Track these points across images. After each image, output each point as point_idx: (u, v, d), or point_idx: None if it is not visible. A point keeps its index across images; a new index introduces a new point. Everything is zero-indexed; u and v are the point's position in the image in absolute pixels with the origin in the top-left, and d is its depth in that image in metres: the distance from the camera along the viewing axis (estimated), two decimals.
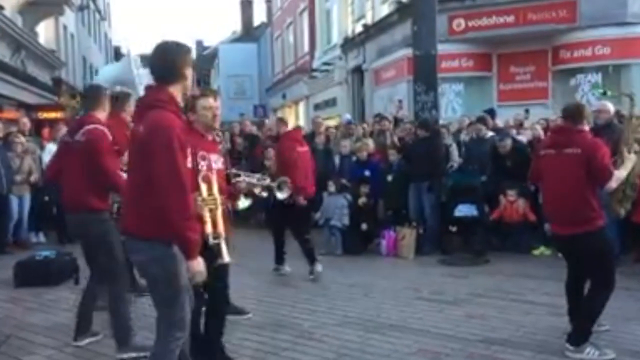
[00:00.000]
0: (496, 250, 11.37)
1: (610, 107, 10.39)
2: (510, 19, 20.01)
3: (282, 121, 11.46)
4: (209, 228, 4.78)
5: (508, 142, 11.76)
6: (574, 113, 6.22)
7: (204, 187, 4.98)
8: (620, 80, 19.14)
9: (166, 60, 4.31)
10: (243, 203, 6.98)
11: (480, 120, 12.96)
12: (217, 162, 5.77)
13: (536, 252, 11.25)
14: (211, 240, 4.74)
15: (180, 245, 4.11)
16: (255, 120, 25.90)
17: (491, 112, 14.60)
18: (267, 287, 9.13)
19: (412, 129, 12.74)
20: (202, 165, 5.67)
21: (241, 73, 50.05)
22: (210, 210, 4.87)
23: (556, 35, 19.83)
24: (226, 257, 4.82)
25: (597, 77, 19.47)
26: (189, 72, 4.37)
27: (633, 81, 18.74)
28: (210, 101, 5.79)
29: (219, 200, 4.96)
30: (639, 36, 18.95)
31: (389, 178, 12.34)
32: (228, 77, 50.35)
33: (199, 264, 4.14)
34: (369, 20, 26.79)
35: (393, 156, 12.48)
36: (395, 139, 13.55)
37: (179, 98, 4.35)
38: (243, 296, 8.14)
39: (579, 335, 6.05)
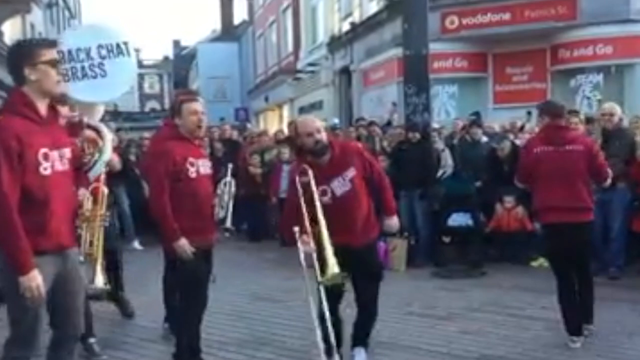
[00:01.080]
0: (493, 261, 11.38)
1: (618, 110, 10.45)
2: (507, 16, 20.07)
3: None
4: (83, 244, 4.69)
5: (507, 145, 11.79)
6: (561, 112, 6.95)
7: (89, 201, 4.92)
8: (623, 81, 19.24)
9: (9, 62, 4.37)
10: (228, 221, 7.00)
11: (475, 123, 13.00)
12: (206, 167, 5.91)
13: (535, 263, 11.25)
14: (81, 259, 4.67)
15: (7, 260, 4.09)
16: (236, 124, 25.88)
17: (476, 116, 14.69)
18: (248, 302, 9.10)
19: (402, 133, 12.74)
20: (191, 171, 5.79)
21: (221, 74, 50.01)
22: (88, 226, 4.78)
23: (555, 34, 19.90)
24: (99, 282, 4.73)
25: (599, 78, 19.55)
26: (38, 72, 4.31)
27: (637, 82, 18.85)
28: (196, 106, 5.88)
29: (98, 217, 4.90)
30: None
31: None
32: (207, 78, 50.28)
33: (29, 280, 4.05)
34: (356, 18, 26.83)
35: (382, 162, 12.47)
36: (385, 144, 13.55)
37: (37, 99, 4.32)
38: (222, 312, 8.15)
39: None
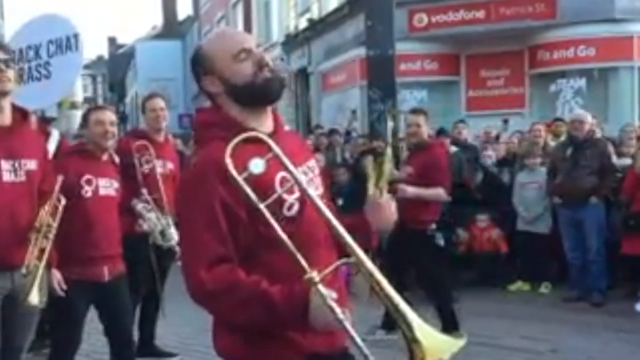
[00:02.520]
0: (465, 285, 11.44)
1: (589, 118, 10.65)
2: (480, 14, 20.21)
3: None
4: (29, 256, 4.72)
5: (479, 177, 11.95)
6: None
7: (44, 211, 4.92)
8: (607, 86, 19.48)
9: None
10: (175, 239, 6.98)
11: (441, 132, 13.10)
12: (109, 187, 5.85)
13: (512, 287, 11.36)
14: (23, 271, 4.69)
15: None
16: (180, 133, 25.76)
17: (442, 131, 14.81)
18: (196, 335, 9.05)
19: (366, 143, 12.79)
20: (87, 190, 5.68)
21: (163, 76, 49.72)
22: (38, 237, 4.80)
23: (533, 34, 20.09)
24: (33, 298, 4.75)
25: (581, 83, 19.74)
26: None
27: (622, 87, 19.11)
28: (104, 115, 5.87)
29: (52, 231, 4.90)
30: (628, 35, 19.25)
31: (340, 202, 12.35)
32: (147, 81, 49.93)
33: None
34: (315, 14, 26.88)
35: (344, 176, 12.48)
36: (347, 156, 13.59)
37: None
38: (167, 347, 8.18)
39: None
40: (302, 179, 2.90)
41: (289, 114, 28.80)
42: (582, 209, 10.21)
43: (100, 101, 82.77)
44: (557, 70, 20.13)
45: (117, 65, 63.81)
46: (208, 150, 2.95)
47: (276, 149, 2.78)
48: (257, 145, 2.81)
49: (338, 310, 2.64)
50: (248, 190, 2.74)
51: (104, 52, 79.62)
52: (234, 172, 2.73)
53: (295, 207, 2.96)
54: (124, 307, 6.15)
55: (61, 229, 5.07)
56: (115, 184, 5.99)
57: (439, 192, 8.29)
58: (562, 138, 12.00)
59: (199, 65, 3.17)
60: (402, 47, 14.94)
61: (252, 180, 2.75)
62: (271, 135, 3.00)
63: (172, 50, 51.35)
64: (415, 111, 8.81)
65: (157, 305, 7.85)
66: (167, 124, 7.84)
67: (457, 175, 12.23)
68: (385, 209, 3.37)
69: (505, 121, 17.54)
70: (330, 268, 2.72)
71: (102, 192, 5.81)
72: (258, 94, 3.06)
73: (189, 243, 2.93)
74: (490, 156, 12.63)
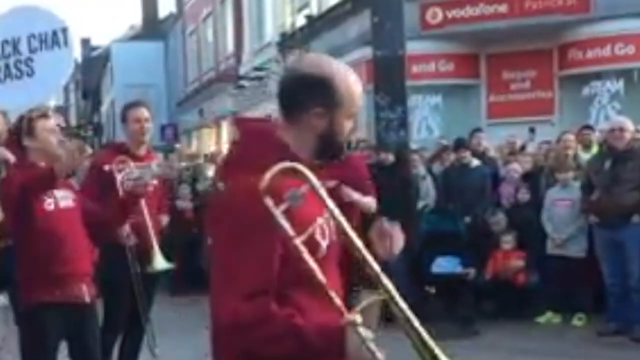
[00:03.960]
0: (488, 317, 11.40)
1: (630, 125, 10.57)
2: (503, 8, 20.23)
3: None
4: None
5: (501, 218, 11.90)
6: None
7: None
8: None
9: None
10: (160, 264, 6.97)
11: (460, 145, 13.05)
12: (66, 198, 5.91)
13: (541, 319, 11.31)
14: None
15: None
16: (161, 145, 25.78)
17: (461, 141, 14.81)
18: None
19: (372, 155, 12.75)
20: (49, 203, 5.74)
21: (143, 82, 49.74)
22: None
23: (564, 30, 20.10)
24: None
25: (619, 85, 19.74)
26: None
27: None
28: (51, 123, 5.91)
29: None
30: None
31: None
32: (125, 87, 49.94)
33: None
34: (314, 10, 26.94)
35: None
36: None
37: None
38: None
39: None
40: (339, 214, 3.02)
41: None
42: (623, 229, 10.14)
43: (72, 110, 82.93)
44: (591, 72, 20.16)
45: (91, 70, 63.84)
46: (255, 182, 2.98)
47: (314, 180, 2.92)
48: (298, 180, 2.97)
49: (378, 354, 2.89)
50: (284, 223, 2.90)
51: (77, 55, 79.80)
52: (270, 203, 2.88)
53: (324, 245, 3.16)
54: (95, 339, 6.13)
55: (25, 248, 5.08)
56: (71, 195, 6.04)
57: (371, 201, 8.62)
58: (594, 149, 11.97)
59: (320, 92, 3.23)
60: (413, 47, 14.92)
61: (290, 212, 2.92)
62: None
63: (153, 53, 51.43)
64: None
65: (140, 339, 7.80)
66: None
67: (480, 196, 12.24)
68: (392, 236, 3.54)
69: (532, 130, 17.49)
70: (364, 304, 2.99)
71: (62, 204, 5.87)
72: (332, 152, 3.32)
73: (227, 270, 3.03)
74: (516, 170, 12.60)
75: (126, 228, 6.97)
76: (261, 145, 3.22)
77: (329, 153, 3.30)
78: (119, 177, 7.11)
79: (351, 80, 3.34)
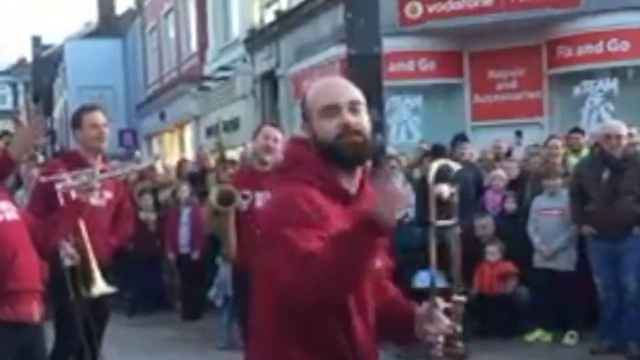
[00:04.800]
0: (474, 336, 11.42)
1: (624, 130, 10.61)
2: (488, 2, 20.21)
3: None
4: None
5: (489, 222, 11.93)
6: None
7: None
8: None
9: None
10: (99, 289, 6.96)
11: (440, 152, 13.06)
12: (10, 211, 5.92)
13: (530, 337, 11.37)
14: None
15: None
16: (120, 152, 25.73)
17: (463, 139, 14.79)
18: None
19: None
20: None
21: (99, 83, 49.64)
22: None
23: (553, 25, 20.18)
24: None
25: (613, 85, 19.80)
26: None
27: None
28: None
29: None
30: None
31: None
32: (79, 89, 49.83)
33: None
34: (283, 5, 26.94)
35: None
36: None
37: None
38: None
39: None
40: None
41: (254, 128, 28.79)
42: (623, 241, 10.22)
43: (23, 114, 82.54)
44: (583, 70, 20.22)
45: (42, 71, 63.63)
46: (295, 189, 3.60)
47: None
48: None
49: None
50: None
51: (27, 54, 79.48)
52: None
53: None
54: None
55: None
56: (14, 207, 6.04)
57: None
58: (584, 153, 12.02)
59: (303, 107, 3.78)
60: (391, 44, 14.95)
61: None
62: (353, 196, 3.70)
63: (110, 52, 51.24)
64: None
65: None
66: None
67: (465, 201, 12.24)
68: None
69: (519, 133, 17.56)
70: None
71: (8, 216, 5.85)
72: (337, 157, 3.62)
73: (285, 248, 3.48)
74: (502, 177, 12.65)
75: (67, 247, 6.93)
76: (299, 160, 3.75)
77: (337, 162, 3.61)
78: (59, 187, 7.06)
79: (318, 82, 3.79)
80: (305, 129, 3.75)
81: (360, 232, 3.34)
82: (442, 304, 3.89)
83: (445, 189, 3.70)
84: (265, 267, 3.68)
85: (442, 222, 3.91)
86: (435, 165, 3.96)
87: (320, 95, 3.70)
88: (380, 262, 3.90)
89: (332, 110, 3.63)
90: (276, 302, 3.64)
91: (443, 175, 3.81)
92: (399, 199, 3.48)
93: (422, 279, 11.78)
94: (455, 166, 11.26)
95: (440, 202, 3.80)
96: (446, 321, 3.85)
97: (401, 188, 3.56)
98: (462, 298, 3.86)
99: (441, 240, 10.80)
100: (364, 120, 3.68)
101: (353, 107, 3.67)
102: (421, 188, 13.10)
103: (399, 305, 4.08)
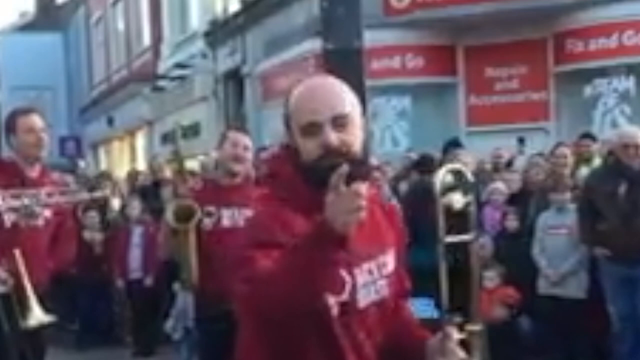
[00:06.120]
0: None
1: None
2: None
3: None
4: None
5: (487, 242, 11.95)
6: None
7: None
8: None
9: None
10: (35, 319, 6.98)
11: (427, 164, 13.09)
12: None
13: None
14: None
15: None
16: (61, 163, 25.65)
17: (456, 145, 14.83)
18: None
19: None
20: None
21: (37, 83, 49.54)
22: None
23: (560, 16, 20.24)
24: None
25: (629, 83, 19.87)
26: None
27: None
28: None
29: None
30: None
31: None
32: (12, 89, 49.66)
33: None
34: None
35: None
36: None
37: None
38: None
39: None
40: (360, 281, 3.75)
41: (216, 134, 28.78)
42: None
43: None
44: (595, 67, 20.31)
45: None
46: (268, 208, 3.74)
47: None
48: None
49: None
50: None
51: None
52: None
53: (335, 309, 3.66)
54: None
55: None
56: None
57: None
58: (596, 162, 12.04)
59: (286, 113, 3.81)
60: (374, 37, 14.96)
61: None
62: None
63: (49, 47, 51.12)
64: None
65: None
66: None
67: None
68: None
69: (521, 140, 17.60)
70: None
71: None
72: (318, 179, 3.50)
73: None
74: (501, 191, 12.68)
75: (1, 272, 6.95)
76: (275, 174, 3.91)
77: (313, 179, 3.57)
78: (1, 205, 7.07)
79: (303, 88, 3.72)
80: (288, 137, 3.78)
81: (310, 243, 3.35)
82: (455, 334, 3.92)
83: (457, 199, 3.72)
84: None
85: (453, 238, 3.93)
86: (443, 171, 3.95)
87: (301, 109, 3.69)
88: (387, 289, 3.98)
89: (313, 128, 3.63)
90: (257, 334, 3.72)
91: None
92: (354, 202, 3.41)
93: (422, 309, 11.85)
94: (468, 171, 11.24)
95: (451, 215, 3.83)
96: (461, 355, 3.87)
97: (360, 188, 3.43)
98: (479, 327, 3.89)
99: (430, 264, 10.86)
100: (350, 136, 3.66)
101: (337, 122, 3.64)
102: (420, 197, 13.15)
103: (409, 335, 4.19)
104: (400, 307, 4.29)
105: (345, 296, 3.68)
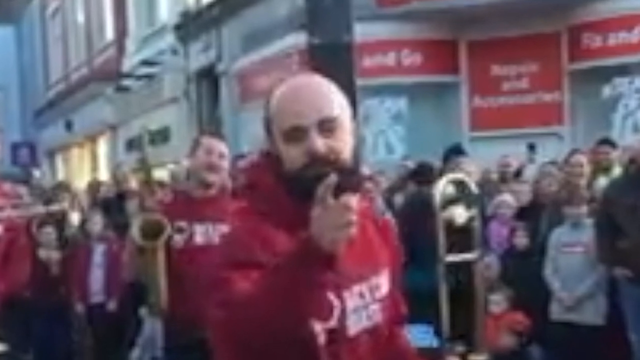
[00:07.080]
0: None
1: None
2: None
3: None
4: None
5: (493, 262, 11.94)
6: None
7: None
8: None
9: None
10: None
11: (425, 171, 13.11)
12: None
13: None
14: None
15: None
16: (13, 172, 25.65)
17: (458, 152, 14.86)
18: None
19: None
20: None
21: None
22: None
23: (576, 6, 20.31)
24: None
25: None
26: None
27: None
28: None
29: None
30: None
31: None
32: None
33: None
34: None
35: None
36: None
37: None
38: None
39: None
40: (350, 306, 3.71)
41: (188, 139, 28.80)
42: None
43: None
44: (615, 64, 20.36)
45: None
46: (245, 223, 3.74)
47: None
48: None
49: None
50: None
51: None
52: None
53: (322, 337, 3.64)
54: None
55: None
56: None
57: None
58: (616, 172, 12.05)
59: (266, 116, 3.81)
60: (365, 31, 15.03)
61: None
62: None
63: (0, 42, 51.18)
64: None
65: None
66: None
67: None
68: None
69: (532, 147, 17.62)
70: None
71: None
72: (303, 190, 3.49)
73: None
74: (509, 205, 12.68)
75: None
76: (254, 185, 3.89)
77: (297, 190, 3.56)
78: None
79: (285, 86, 3.72)
80: (269, 143, 3.77)
81: (294, 263, 3.35)
82: None
83: (459, 213, 3.72)
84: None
85: (455, 257, 3.98)
86: (443, 181, 3.98)
87: (284, 112, 3.68)
88: (381, 315, 3.93)
89: (297, 133, 3.62)
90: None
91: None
92: (343, 216, 3.41)
93: (420, 336, 11.85)
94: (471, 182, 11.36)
95: (452, 231, 3.85)
96: None
97: (350, 201, 3.40)
98: (483, 358, 3.94)
99: (429, 287, 10.97)
100: (339, 142, 3.66)
101: (324, 126, 3.63)
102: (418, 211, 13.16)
103: None
104: (395, 334, 4.20)
105: (333, 322, 3.65)
